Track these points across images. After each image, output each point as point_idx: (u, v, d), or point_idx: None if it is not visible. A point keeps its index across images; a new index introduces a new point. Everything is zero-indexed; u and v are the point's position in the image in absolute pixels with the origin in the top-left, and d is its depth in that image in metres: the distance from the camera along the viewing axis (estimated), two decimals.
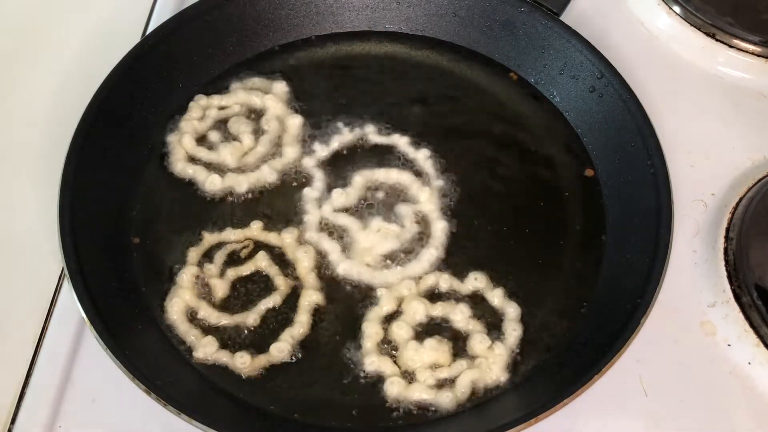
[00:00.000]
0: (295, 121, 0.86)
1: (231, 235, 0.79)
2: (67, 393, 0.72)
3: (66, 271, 0.71)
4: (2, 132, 0.89)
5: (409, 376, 0.72)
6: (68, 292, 0.73)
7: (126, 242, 0.78)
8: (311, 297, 0.75)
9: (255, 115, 0.87)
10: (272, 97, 0.87)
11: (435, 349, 0.72)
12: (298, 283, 0.76)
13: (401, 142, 0.85)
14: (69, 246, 0.72)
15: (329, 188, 0.82)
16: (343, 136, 0.85)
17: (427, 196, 0.81)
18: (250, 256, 0.78)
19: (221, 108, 0.87)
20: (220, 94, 0.87)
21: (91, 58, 0.93)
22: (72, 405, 0.71)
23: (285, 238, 0.79)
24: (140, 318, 0.74)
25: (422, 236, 0.80)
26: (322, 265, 0.78)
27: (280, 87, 0.88)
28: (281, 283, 0.76)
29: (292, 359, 0.73)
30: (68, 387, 0.72)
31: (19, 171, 0.86)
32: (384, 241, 0.79)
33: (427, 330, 0.74)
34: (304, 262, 0.77)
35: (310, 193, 0.82)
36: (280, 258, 0.78)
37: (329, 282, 0.77)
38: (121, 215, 0.79)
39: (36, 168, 0.85)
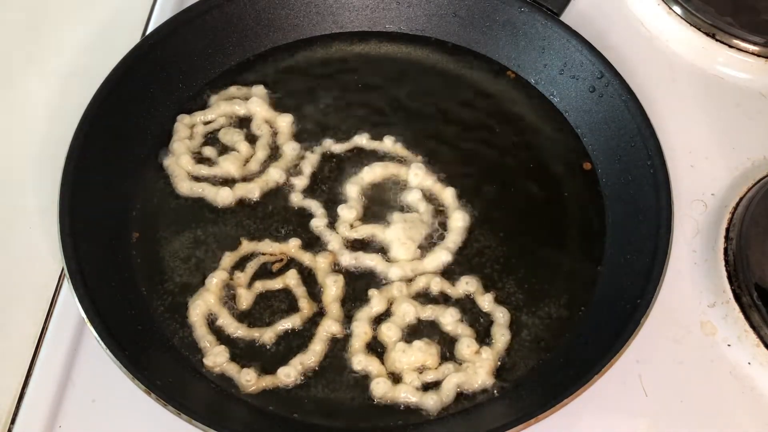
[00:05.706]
0: (286, 119, 0.86)
1: (268, 247, 0.78)
2: (67, 393, 0.72)
3: (66, 271, 0.71)
4: (2, 132, 0.89)
5: (395, 377, 0.72)
6: (68, 292, 0.72)
7: (126, 242, 0.78)
8: (330, 327, 0.74)
9: (243, 122, 0.86)
10: (255, 101, 0.86)
11: (423, 351, 0.72)
12: (322, 309, 0.75)
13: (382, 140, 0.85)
14: (69, 246, 0.72)
15: (331, 210, 0.81)
16: (356, 142, 0.85)
17: (421, 174, 0.81)
18: (281, 271, 0.77)
19: (207, 123, 0.86)
20: (203, 110, 0.86)
21: (91, 58, 0.93)
22: (72, 405, 0.71)
23: (319, 261, 0.77)
24: (140, 318, 0.74)
25: (441, 210, 0.81)
26: (370, 278, 0.77)
27: (259, 90, 0.87)
28: (305, 305, 0.75)
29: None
30: (68, 387, 0.72)
31: (19, 171, 0.86)
32: (416, 230, 0.79)
33: (417, 332, 0.74)
34: (332, 290, 0.75)
35: (318, 223, 0.80)
36: (309, 279, 0.77)
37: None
38: (121, 215, 0.79)
39: (36, 168, 0.85)
